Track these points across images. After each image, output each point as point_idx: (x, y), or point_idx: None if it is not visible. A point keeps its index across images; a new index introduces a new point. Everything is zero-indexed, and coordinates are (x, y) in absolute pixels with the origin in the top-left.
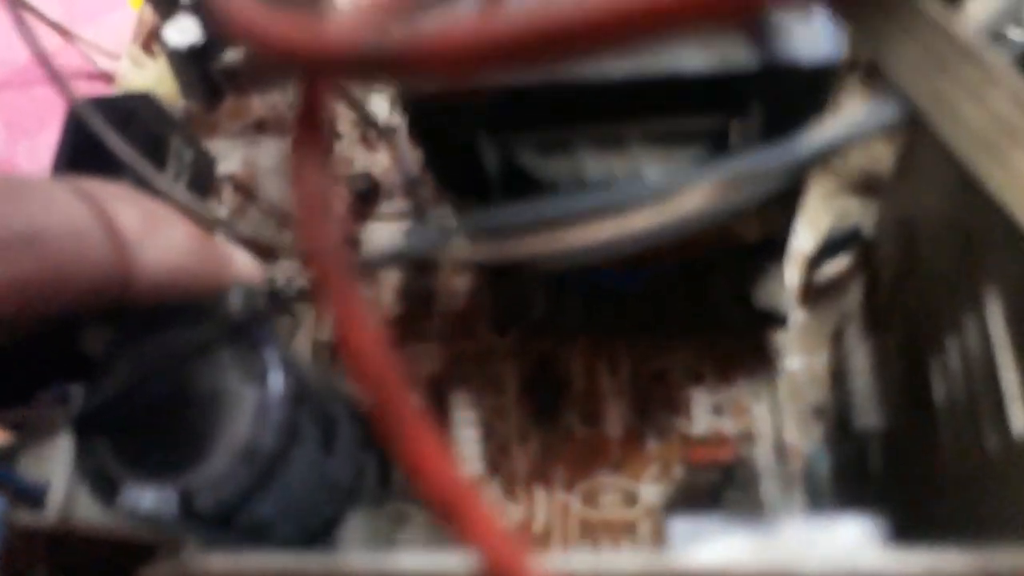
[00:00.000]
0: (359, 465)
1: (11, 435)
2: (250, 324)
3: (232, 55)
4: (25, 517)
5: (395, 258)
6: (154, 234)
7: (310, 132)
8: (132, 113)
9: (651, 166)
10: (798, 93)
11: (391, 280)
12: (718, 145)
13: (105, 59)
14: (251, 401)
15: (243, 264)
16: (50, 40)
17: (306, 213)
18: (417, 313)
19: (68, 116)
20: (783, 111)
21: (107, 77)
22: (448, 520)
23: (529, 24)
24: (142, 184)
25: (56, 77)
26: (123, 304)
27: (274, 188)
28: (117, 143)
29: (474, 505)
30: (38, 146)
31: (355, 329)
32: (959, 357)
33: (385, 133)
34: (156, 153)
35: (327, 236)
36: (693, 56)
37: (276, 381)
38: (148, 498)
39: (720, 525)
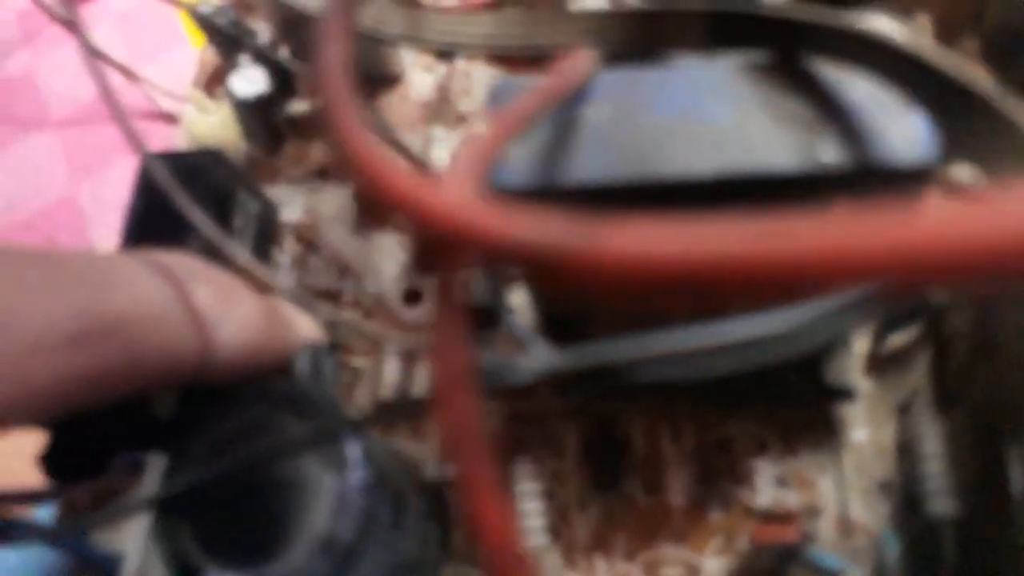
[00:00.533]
0: (424, 536)
1: (83, 505)
2: (323, 402)
3: (299, 106)
4: None
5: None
6: (228, 312)
7: (451, 308)
8: (202, 169)
9: None
10: (890, 194)
11: None
12: None
13: (166, 98)
14: (331, 491)
15: (305, 326)
16: (113, 79)
17: (445, 390)
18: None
19: (141, 170)
20: None
21: (168, 117)
22: None
23: (754, 256)
24: (210, 245)
25: (132, 136)
26: (196, 383)
27: (336, 236)
28: (188, 206)
29: None
30: (100, 185)
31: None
32: None
33: None
34: (223, 207)
35: (465, 413)
36: (784, 153)
37: (357, 473)
38: None
39: None
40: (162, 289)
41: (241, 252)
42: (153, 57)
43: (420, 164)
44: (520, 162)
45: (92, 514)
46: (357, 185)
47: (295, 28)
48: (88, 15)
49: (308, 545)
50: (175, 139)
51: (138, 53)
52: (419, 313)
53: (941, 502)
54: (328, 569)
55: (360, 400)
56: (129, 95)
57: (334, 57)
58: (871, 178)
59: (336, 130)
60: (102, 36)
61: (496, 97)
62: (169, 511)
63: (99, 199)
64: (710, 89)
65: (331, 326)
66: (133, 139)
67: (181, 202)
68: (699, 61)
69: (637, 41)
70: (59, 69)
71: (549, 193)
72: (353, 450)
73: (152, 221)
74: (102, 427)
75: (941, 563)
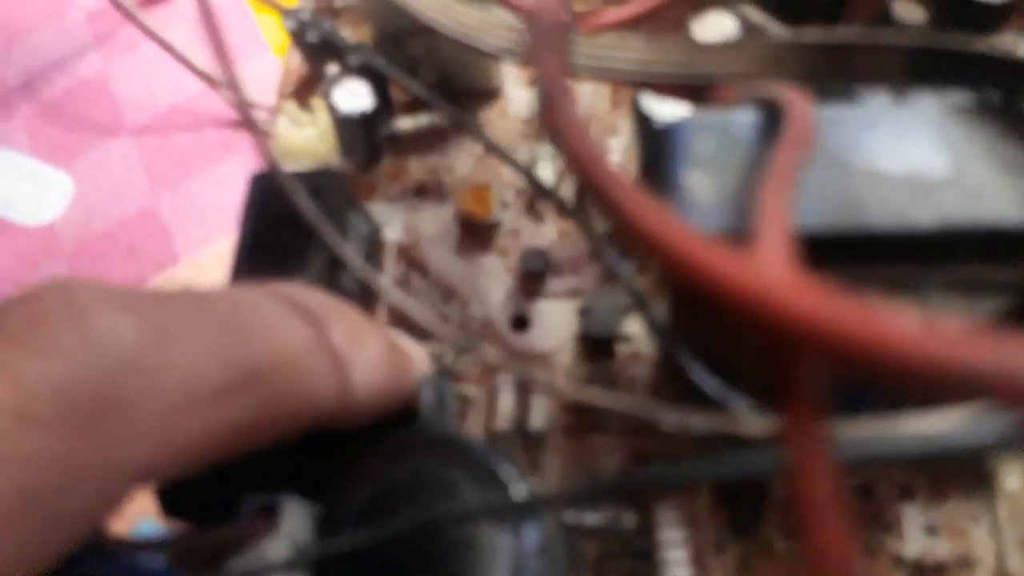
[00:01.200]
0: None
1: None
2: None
3: (405, 122)
4: None
5: None
6: (360, 351)
7: (808, 419)
8: (319, 189)
9: (948, 314)
10: None
11: (564, 360)
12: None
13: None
14: (507, 553)
15: (418, 355)
16: (195, 83)
17: (815, 521)
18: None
19: (254, 188)
20: None
21: (252, 127)
22: None
23: None
24: (325, 272)
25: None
26: (330, 427)
27: (439, 257)
28: (329, 233)
29: None
30: (181, 196)
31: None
32: None
33: (561, 205)
34: (339, 229)
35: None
36: (1010, 204)
37: (532, 534)
38: None
39: None
40: (301, 331)
41: (385, 283)
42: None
43: (535, 182)
44: (712, 202)
45: (224, 557)
46: (656, 262)
47: (396, 40)
48: (162, 18)
49: None
50: (260, 150)
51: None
52: (528, 340)
53: None
54: None
55: (472, 429)
56: (208, 103)
57: (579, 128)
58: None
59: (621, 209)
60: (177, 41)
61: (680, 136)
62: (323, 567)
63: (180, 209)
64: (919, 132)
65: (437, 355)
66: (267, 156)
67: (329, 238)
68: (890, 100)
69: (821, 74)
70: (132, 74)
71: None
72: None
73: (265, 243)
74: (235, 474)
75: None
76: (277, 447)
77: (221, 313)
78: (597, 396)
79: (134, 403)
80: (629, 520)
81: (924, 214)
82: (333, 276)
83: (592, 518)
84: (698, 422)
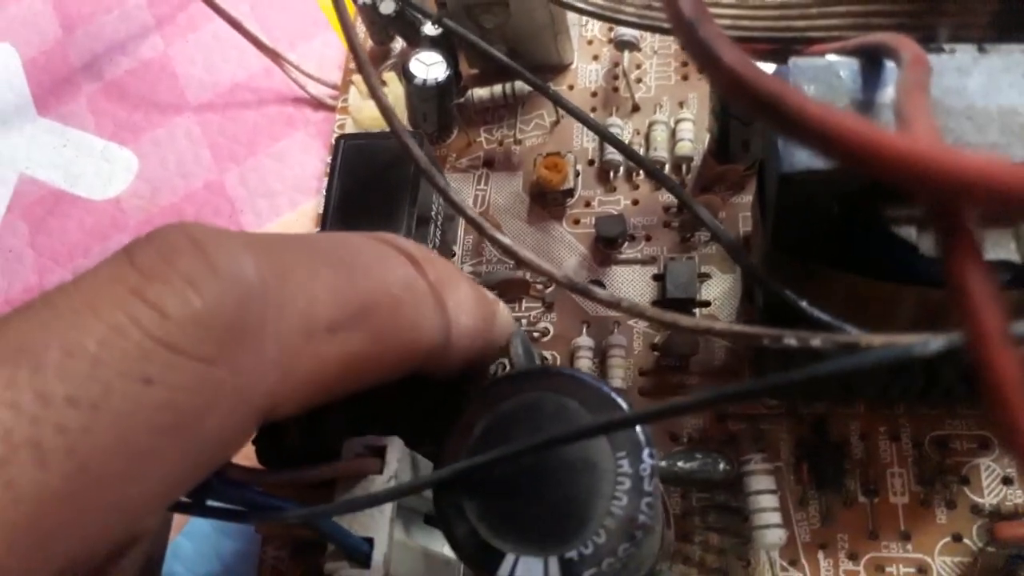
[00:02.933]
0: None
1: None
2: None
3: (480, 93)
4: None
5: None
6: (454, 293)
7: (974, 263)
8: (398, 153)
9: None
10: None
11: (641, 327)
12: None
13: (313, 84)
14: (627, 474)
15: (504, 308)
16: (257, 62)
17: (989, 349)
18: (674, 367)
19: (340, 147)
20: None
21: (317, 103)
22: None
23: None
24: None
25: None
26: (428, 369)
27: (509, 227)
28: (434, 177)
29: None
30: (246, 173)
31: None
32: None
33: (644, 167)
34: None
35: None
36: None
37: (647, 457)
38: (530, 568)
39: None
40: (402, 270)
41: (500, 233)
42: (294, 45)
43: (621, 146)
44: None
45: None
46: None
47: (468, 12)
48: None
49: (608, 527)
50: (327, 126)
51: (276, 39)
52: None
53: None
54: (627, 552)
55: None
56: (271, 80)
57: (729, 43)
58: None
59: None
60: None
61: (803, 75)
62: (453, 493)
63: (245, 184)
64: (1009, 76)
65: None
66: (392, 120)
67: (430, 176)
68: (976, 50)
69: (908, 29)
70: (193, 55)
71: (838, 180)
72: (644, 433)
73: (353, 202)
74: (342, 414)
75: None
76: (371, 394)
77: (329, 252)
78: (689, 320)
79: (259, 334)
80: (723, 468)
81: (1020, 150)
82: (417, 238)
83: (686, 465)
84: (817, 341)
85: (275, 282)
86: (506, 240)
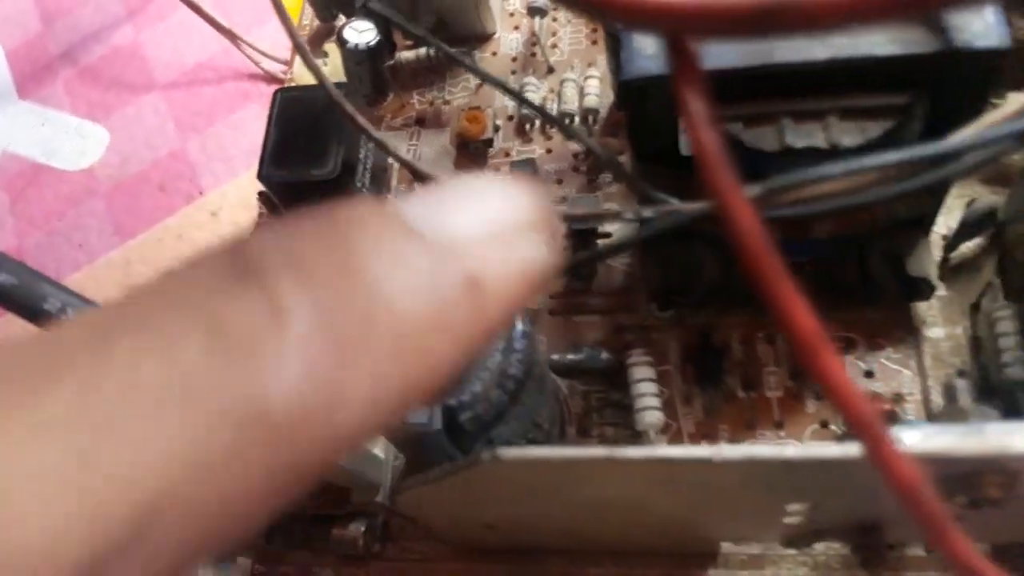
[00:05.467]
0: (553, 415)
1: None
2: None
3: (407, 55)
4: None
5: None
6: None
7: (693, 77)
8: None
9: (846, 137)
10: (971, 75)
11: None
12: (904, 121)
13: (267, 61)
14: (500, 336)
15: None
16: (217, 44)
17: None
18: (577, 289)
19: (277, 98)
20: (958, 93)
21: (270, 78)
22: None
23: None
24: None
25: (311, 62)
26: None
27: (440, 177)
28: (365, 124)
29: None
30: (206, 141)
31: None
32: None
33: (551, 119)
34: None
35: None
36: (883, 42)
37: (520, 323)
38: (418, 415)
39: None
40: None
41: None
42: (249, 29)
43: (526, 102)
44: (648, 49)
45: None
46: None
47: None
48: None
49: (485, 377)
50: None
51: (235, 24)
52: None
53: (1017, 368)
54: (500, 399)
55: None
56: (229, 60)
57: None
58: (953, 60)
59: None
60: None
61: None
62: None
63: (205, 151)
64: None
65: None
66: (317, 71)
67: (357, 118)
68: None
69: None
70: (162, 40)
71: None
72: None
73: (288, 148)
74: None
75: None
76: None
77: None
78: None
79: None
80: (604, 358)
81: (820, 50)
82: (344, 178)
83: (574, 357)
84: (648, 212)
85: None
86: (377, 135)
